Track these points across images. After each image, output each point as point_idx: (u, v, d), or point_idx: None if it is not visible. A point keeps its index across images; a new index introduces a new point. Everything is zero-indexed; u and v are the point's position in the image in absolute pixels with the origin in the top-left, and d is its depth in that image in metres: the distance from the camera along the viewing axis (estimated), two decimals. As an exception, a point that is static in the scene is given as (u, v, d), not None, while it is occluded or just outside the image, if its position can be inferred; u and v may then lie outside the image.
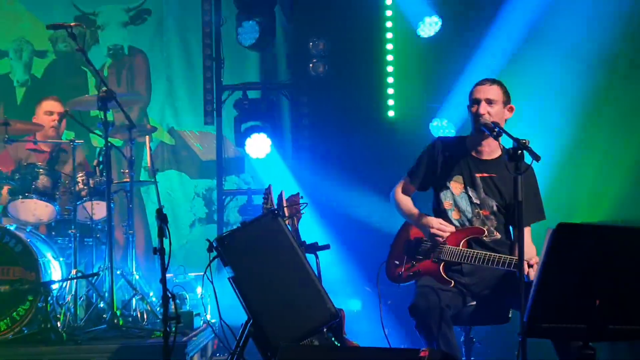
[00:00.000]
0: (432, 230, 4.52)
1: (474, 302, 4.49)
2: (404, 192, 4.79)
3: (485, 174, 4.57)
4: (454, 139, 4.92)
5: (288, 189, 4.95)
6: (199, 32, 7.70)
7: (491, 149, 4.58)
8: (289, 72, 7.84)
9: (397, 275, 4.69)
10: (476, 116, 4.48)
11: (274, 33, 7.55)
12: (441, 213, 4.64)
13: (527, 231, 4.45)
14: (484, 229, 4.51)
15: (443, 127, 7.38)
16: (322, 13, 7.70)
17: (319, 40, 7.53)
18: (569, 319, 3.16)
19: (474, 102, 4.51)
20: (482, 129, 4.40)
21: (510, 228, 4.60)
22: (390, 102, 7.80)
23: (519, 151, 3.78)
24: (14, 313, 5.05)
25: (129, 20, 8.09)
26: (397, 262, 4.69)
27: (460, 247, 4.45)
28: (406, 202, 4.76)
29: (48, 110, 6.32)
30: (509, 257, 4.28)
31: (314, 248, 5.12)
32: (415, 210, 4.70)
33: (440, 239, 4.50)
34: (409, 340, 5.61)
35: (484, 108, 4.46)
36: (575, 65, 6.75)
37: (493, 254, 4.33)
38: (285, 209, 4.92)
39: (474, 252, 4.39)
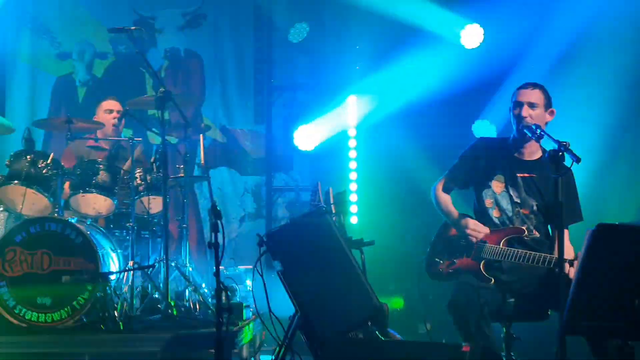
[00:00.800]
0: (467, 231, 4.64)
1: (513, 299, 4.58)
2: (445, 189, 4.88)
3: (527, 174, 4.66)
4: (496, 140, 5.02)
5: (335, 186, 5.06)
6: (251, 35, 7.86)
7: (532, 150, 4.68)
8: (336, 73, 7.94)
9: (437, 272, 4.82)
10: (518, 118, 4.59)
11: (323, 35, 7.68)
12: (482, 211, 4.74)
13: (565, 232, 4.52)
14: (524, 228, 4.61)
15: (485, 127, 7.44)
16: (368, 16, 7.74)
17: (365, 43, 7.61)
18: (608, 318, 3.21)
19: (516, 104, 4.61)
20: (525, 131, 4.51)
21: (549, 227, 4.68)
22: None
23: (560, 153, 3.88)
24: (74, 302, 5.14)
25: (185, 24, 8.23)
26: (437, 260, 4.82)
27: (501, 246, 4.56)
28: (445, 200, 4.85)
29: (108, 109, 6.47)
30: (549, 255, 4.36)
31: (360, 244, 5.26)
32: (453, 209, 4.81)
33: (474, 239, 4.62)
34: (451, 335, 5.69)
35: (525, 111, 4.56)
36: (608, 82, 6.85)
37: (533, 252, 4.42)
38: (332, 205, 5.07)
39: (514, 250, 4.49)
